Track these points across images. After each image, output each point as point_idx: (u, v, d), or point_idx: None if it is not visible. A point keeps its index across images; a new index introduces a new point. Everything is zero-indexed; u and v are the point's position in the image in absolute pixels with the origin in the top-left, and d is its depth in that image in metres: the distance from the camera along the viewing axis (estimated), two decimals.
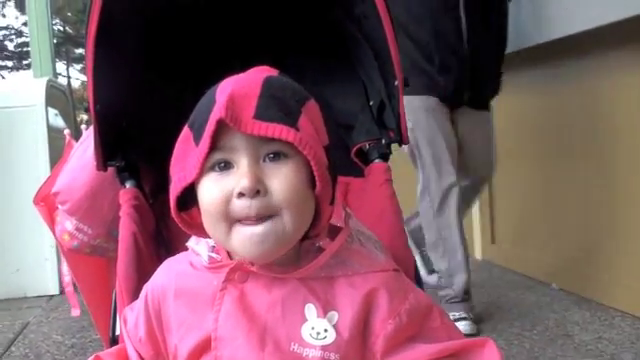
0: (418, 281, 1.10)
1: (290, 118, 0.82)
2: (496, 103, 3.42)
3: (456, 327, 0.91)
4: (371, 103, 1.34)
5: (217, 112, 0.80)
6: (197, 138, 0.83)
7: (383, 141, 1.29)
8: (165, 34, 1.32)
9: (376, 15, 1.18)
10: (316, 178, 0.82)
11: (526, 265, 3.21)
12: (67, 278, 1.67)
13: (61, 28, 21.58)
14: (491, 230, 3.59)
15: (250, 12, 1.33)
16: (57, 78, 5.96)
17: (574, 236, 2.87)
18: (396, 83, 1.22)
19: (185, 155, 0.85)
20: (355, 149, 1.32)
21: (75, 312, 1.75)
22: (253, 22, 1.35)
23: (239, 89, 0.81)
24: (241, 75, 0.85)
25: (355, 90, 1.37)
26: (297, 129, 0.81)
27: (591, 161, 2.71)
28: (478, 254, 3.70)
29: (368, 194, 1.24)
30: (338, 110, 1.35)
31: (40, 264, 3.46)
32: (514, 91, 3.28)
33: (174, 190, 0.85)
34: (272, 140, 0.81)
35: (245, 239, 0.81)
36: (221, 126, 0.80)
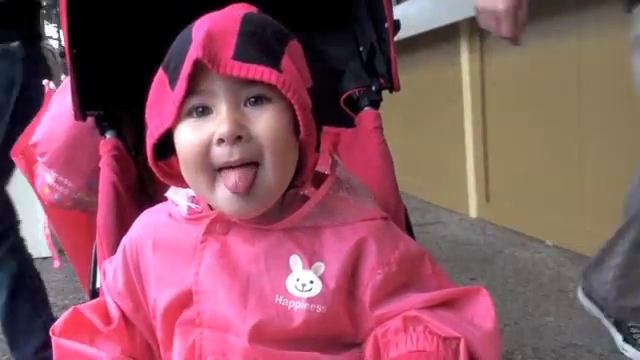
0: (409, 227, 1.07)
1: (272, 59, 0.77)
2: (489, 59, 3.40)
3: (447, 276, 0.88)
4: (361, 49, 1.29)
5: (193, 52, 0.74)
6: (172, 81, 0.78)
7: (373, 88, 1.24)
8: None
9: None
10: (300, 123, 0.78)
11: (520, 222, 3.20)
12: (47, 231, 1.63)
13: None
14: (485, 188, 3.58)
15: None
16: (47, 40, 5.86)
17: (568, 193, 2.84)
18: (386, 26, 1.18)
19: (160, 100, 0.80)
20: (344, 97, 1.28)
21: (55, 263, 1.73)
22: None
23: (216, 26, 0.76)
24: (218, 12, 0.80)
25: (345, 36, 1.32)
26: (280, 71, 0.76)
27: (586, 116, 2.68)
28: (473, 212, 3.69)
29: (358, 143, 1.20)
30: (327, 56, 1.31)
31: (32, 225, 3.40)
32: (505, 48, 3.22)
33: (150, 138, 0.80)
34: (253, 83, 0.76)
35: (230, 198, 0.77)
36: (198, 68, 0.75)
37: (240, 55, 0.75)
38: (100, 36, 1.20)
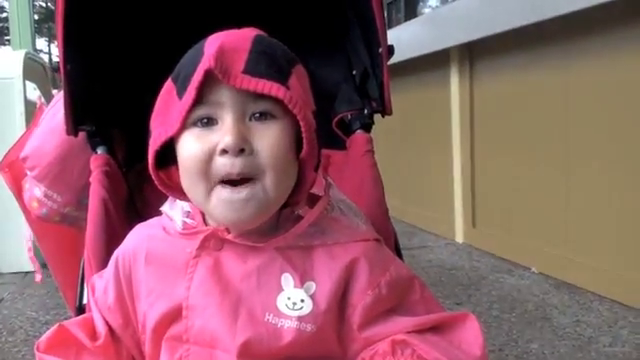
0: (398, 251, 1.07)
1: (281, 76, 0.78)
2: (478, 86, 3.44)
3: (436, 300, 0.88)
4: (354, 72, 1.30)
5: (206, 62, 0.76)
6: (181, 91, 0.79)
7: (365, 111, 1.26)
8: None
9: None
10: (304, 140, 0.79)
11: (506, 249, 3.21)
12: (29, 244, 1.62)
13: (43, 4, 21.31)
14: (472, 214, 3.59)
15: None
16: (38, 54, 5.86)
17: (554, 220, 2.86)
18: (380, 51, 1.19)
19: (167, 109, 0.81)
20: (337, 119, 1.29)
21: (37, 277, 1.71)
22: None
23: (229, 42, 0.78)
24: (230, 30, 0.82)
25: (339, 59, 1.33)
26: (287, 87, 0.78)
27: (573, 144, 2.70)
28: (459, 237, 3.69)
29: (349, 165, 1.21)
30: (321, 79, 1.31)
31: (16, 240, 3.38)
32: (495, 75, 3.28)
33: (153, 145, 0.81)
34: (260, 99, 0.77)
35: (225, 204, 0.78)
36: (208, 79, 0.76)
37: (250, 70, 0.76)
38: (95, 53, 1.21)
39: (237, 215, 0.78)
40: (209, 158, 0.77)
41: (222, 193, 0.78)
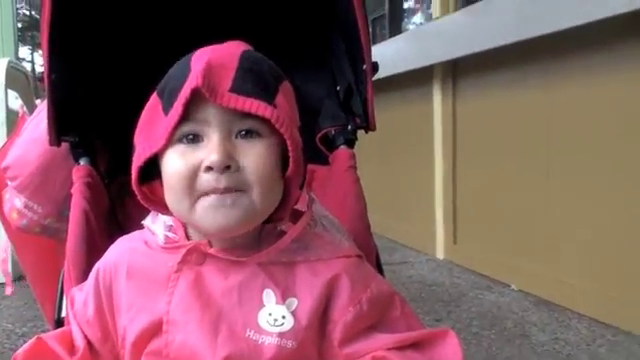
0: (379, 267, 1.08)
1: (268, 94, 0.78)
2: (461, 103, 3.47)
3: (416, 317, 0.89)
4: (338, 88, 1.31)
5: (193, 80, 0.75)
6: (167, 107, 0.78)
7: (349, 127, 1.26)
8: (129, 9, 1.28)
9: None
10: (290, 158, 0.79)
11: (487, 265, 3.23)
12: (3, 255, 1.61)
13: (27, 12, 21.16)
14: (453, 230, 3.60)
15: None
16: (20, 62, 5.82)
17: (534, 238, 2.88)
18: (364, 67, 1.20)
19: (152, 124, 0.80)
20: (320, 135, 1.29)
21: (7, 290, 1.69)
22: (218, 2, 1.31)
23: (216, 59, 0.78)
24: (217, 46, 0.82)
25: (323, 75, 1.34)
26: (274, 106, 0.78)
27: (554, 163, 2.73)
28: (440, 254, 3.70)
29: (332, 181, 1.21)
30: (305, 94, 1.31)
31: None
32: (476, 91, 3.31)
33: (137, 160, 0.80)
34: (246, 116, 0.77)
35: (210, 209, 0.77)
36: (194, 96, 0.76)
37: (237, 88, 0.76)
38: (80, 63, 1.21)
39: (223, 220, 0.77)
40: (194, 175, 0.77)
41: (207, 201, 0.77)
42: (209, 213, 0.77)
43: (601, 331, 2.35)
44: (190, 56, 0.81)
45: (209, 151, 0.76)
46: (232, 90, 0.76)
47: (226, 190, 0.76)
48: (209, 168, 0.76)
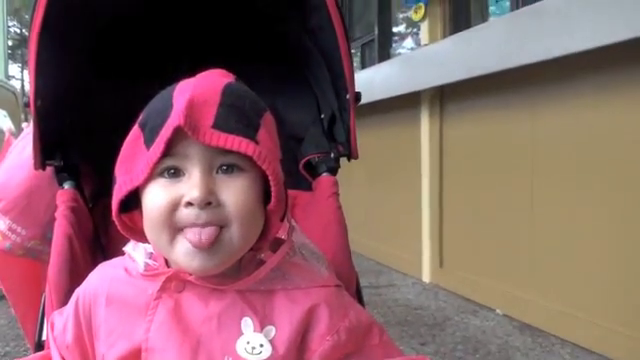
0: (359, 297, 1.09)
1: (250, 130, 0.79)
2: (448, 128, 3.50)
3: (394, 345, 0.89)
4: (322, 116, 1.33)
5: (175, 119, 0.76)
6: (149, 141, 0.79)
7: (332, 155, 1.28)
8: (113, 36, 1.29)
9: (330, 27, 1.17)
10: (272, 194, 0.79)
11: (472, 290, 3.24)
12: None
13: (17, 30, 21.17)
14: (440, 254, 3.61)
15: (201, 18, 1.31)
16: (9, 80, 5.81)
17: (519, 263, 2.90)
18: (347, 97, 1.21)
19: (133, 156, 0.81)
20: (303, 162, 1.30)
21: None
22: (204, 28, 1.33)
23: (198, 95, 0.78)
24: (199, 79, 0.82)
25: (307, 102, 1.35)
26: (257, 142, 0.78)
27: (538, 188, 2.76)
28: (426, 277, 3.71)
29: (314, 207, 1.23)
30: (289, 122, 1.34)
31: None
32: (463, 117, 3.34)
33: (118, 193, 0.81)
34: (228, 152, 0.77)
35: (188, 255, 0.78)
36: (175, 134, 0.76)
37: (219, 125, 0.77)
38: (66, 90, 1.21)
39: (200, 265, 0.79)
40: (174, 209, 0.77)
41: (184, 246, 0.78)
42: (187, 257, 0.79)
43: (584, 357, 2.37)
44: (172, 90, 0.81)
45: (190, 187, 0.77)
46: (214, 127, 0.76)
47: (206, 225, 0.77)
48: (189, 204, 0.77)
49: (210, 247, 0.77)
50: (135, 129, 0.82)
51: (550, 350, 2.46)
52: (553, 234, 2.67)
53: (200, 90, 0.79)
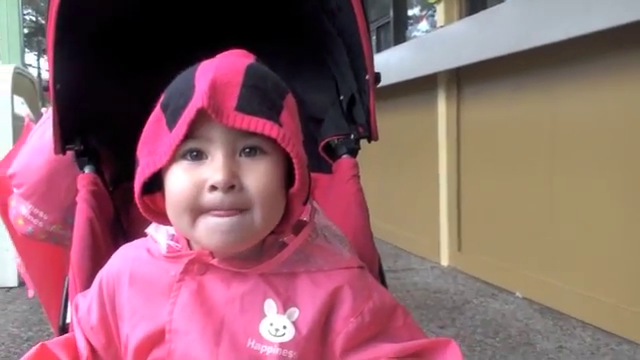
0: (382, 278, 1.08)
1: (273, 112, 0.78)
2: (465, 110, 3.47)
3: (418, 327, 0.89)
4: (341, 98, 1.32)
5: (198, 100, 0.75)
6: (171, 122, 0.78)
7: (352, 136, 1.27)
8: (129, 20, 1.29)
9: (349, 7, 1.15)
10: (296, 176, 0.79)
11: (491, 273, 3.22)
12: (18, 260, 1.62)
13: (33, 18, 21.27)
14: (458, 238, 3.60)
15: (220, 1, 1.30)
16: (26, 68, 5.85)
17: (539, 246, 2.88)
18: (367, 77, 1.20)
19: (155, 138, 0.80)
20: (323, 144, 1.30)
21: (30, 293, 1.71)
22: (222, 10, 1.32)
23: (221, 76, 0.77)
24: (221, 60, 0.81)
25: (326, 84, 1.34)
26: (280, 124, 0.77)
27: (558, 170, 2.73)
28: (444, 261, 3.70)
29: (334, 190, 1.22)
30: (308, 103, 1.33)
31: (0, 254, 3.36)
32: (480, 99, 3.32)
33: (141, 175, 0.80)
34: (251, 134, 0.77)
35: (211, 229, 0.77)
36: (198, 115, 0.75)
37: (243, 107, 0.76)
38: (85, 73, 1.21)
39: (223, 239, 0.78)
40: (198, 193, 0.77)
41: (206, 223, 0.78)
42: (208, 234, 0.78)
43: (605, 340, 2.35)
44: (194, 71, 0.80)
45: (213, 170, 0.76)
46: (237, 109, 0.76)
47: (228, 209, 0.77)
48: (213, 187, 0.76)
49: (232, 228, 0.77)
50: (157, 110, 0.82)
51: (571, 333, 2.45)
52: (573, 216, 2.65)
53: (222, 71, 0.78)
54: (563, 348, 2.30)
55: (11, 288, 3.32)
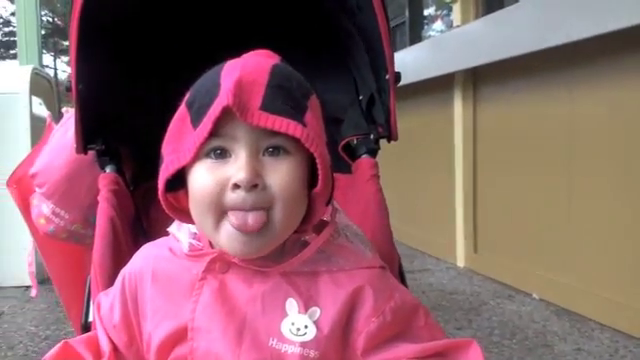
0: (402, 277, 1.08)
1: (297, 112, 0.79)
2: (482, 110, 3.45)
3: (439, 327, 0.89)
4: (361, 97, 1.31)
5: (223, 98, 0.75)
6: (195, 120, 0.79)
7: (371, 136, 1.26)
8: (152, 21, 1.30)
9: (370, 7, 1.15)
10: (319, 177, 0.79)
11: (508, 274, 3.21)
12: (30, 258, 1.63)
13: (49, 19, 21.47)
14: (474, 238, 3.59)
15: (238, 1, 1.30)
16: (43, 69, 5.90)
17: (556, 247, 2.86)
18: (387, 77, 1.20)
19: (180, 136, 0.81)
20: (343, 144, 1.30)
21: (33, 292, 1.73)
22: (242, 11, 1.32)
23: (246, 75, 0.78)
24: (246, 60, 0.82)
25: (345, 83, 1.34)
26: (304, 124, 0.78)
27: (576, 171, 2.71)
28: (460, 262, 3.69)
29: (354, 190, 1.22)
30: (327, 103, 1.32)
31: (18, 254, 3.37)
32: (497, 99, 3.30)
33: (164, 172, 0.81)
34: (275, 134, 0.77)
35: (233, 239, 0.78)
36: (223, 114, 0.76)
37: (268, 106, 0.76)
38: (107, 74, 1.22)
39: (244, 249, 0.79)
40: (221, 191, 0.77)
41: (230, 228, 0.78)
42: (230, 240, 0.79)
43: (624, 342, 2.33)
44: (219, 70, 0.81)
45: (237, 169, 0.77)
46: (262, 108, 0.76)
47: (251, 208, 0.77)
48: (236, 186, 0.76)
49: (254, 239, 0.78)
50: (182, 109, 0.82)
51: (589, 335, 2.43)
52: (591, 216, 2.63)
53: (248, 70, 0.79)
54: (581, 350, 2.28)
55: (29, 287, 3.34)
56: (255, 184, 0.76)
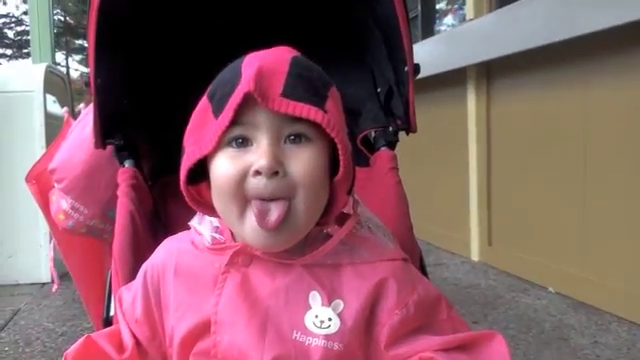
0: (423, 269, 1.08)
1: (318, 99, 0.79)
2: (495, 104, 3.44)
3: (462, 320, 0.88)
4: (379, 90, 1.31)
5: (245, 85, 0.76)
6: (217, 111, 0.79)
7: (390, 129, 1.26)
8: (172, 17, 1.30)
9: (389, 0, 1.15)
10: (341, 163, 0.79)
11: (523, 268, 3.19)
12: (51, 253, 1.64)
13: (62, 18, 21.57)
14: (488, 232, 3.57)
15: None
16: (57, 67, 5.93)
17: (571, 240, 2.85)
18: (406, 69, 1.20)
19: (202, 127, 0.81)
20: (361, 137, 1.29)
21: (53, 287, 1.74)
22: (261, 6, 1.32)
23: (267, 64, 0.78)
24: (267, 51, 0.82)
25: (363, 76, 1.34)
26: (325, 111, 0.78)
27: (591, 164, 2.69)
28: (475, 256, 3.68)
29: (373, 182, 1.22)
30: (346, 96, 1.32)
31: (34, 251, 3.42)
32: (511, 93, 3.28)
33: (186, 162, 0.81)
34: (296, 121, 0.77)
35: (257, 232, 0.78)
36: (245, 101, 0.76)
37: (289, 93, 0.77)
38: (125, 68, 1.22)
39: (267, 243, 0.79)
40: (242, 179, 0.77)
41: (254, 222, 0.78)
42: (254, 234, 0.79)
43: None
44: (240, 61, 0.81)
45: (258, 156, 0.77)
46: (283, 95, 0.76)
47: (272, 196, 0.77)
48: (257, 172, 0.76)
49: (277, 232, 0.78)
50: (203, 100, 0.82)
51: (607, 328, 2.41)
52: (606, 209, 2.61)
53: (269, 60, 0.79)
54: (598, 343, 2.27)
55: (45, 284, 3.37)
56: (276, 171, 0.76)
